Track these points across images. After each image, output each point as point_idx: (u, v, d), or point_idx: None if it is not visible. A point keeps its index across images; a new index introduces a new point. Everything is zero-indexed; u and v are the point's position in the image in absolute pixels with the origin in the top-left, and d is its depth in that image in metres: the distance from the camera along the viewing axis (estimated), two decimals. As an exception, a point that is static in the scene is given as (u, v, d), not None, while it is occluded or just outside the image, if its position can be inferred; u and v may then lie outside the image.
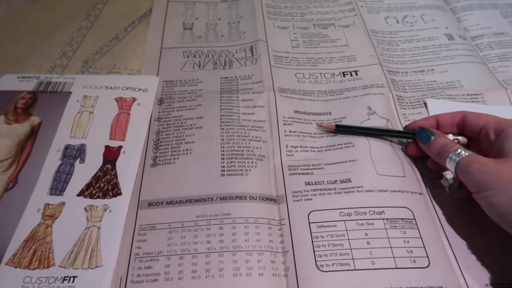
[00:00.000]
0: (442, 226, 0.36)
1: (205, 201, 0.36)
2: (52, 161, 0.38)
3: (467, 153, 0.33)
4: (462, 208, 0.37)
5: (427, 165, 0.39)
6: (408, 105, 0.46)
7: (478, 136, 0.36)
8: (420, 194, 0.38)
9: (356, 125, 0.42)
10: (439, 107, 0.45)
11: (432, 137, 0.36)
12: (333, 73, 0.50)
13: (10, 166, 0.38)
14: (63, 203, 0.36)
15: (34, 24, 0.54)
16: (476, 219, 0.35)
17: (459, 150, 0.33)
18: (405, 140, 0.41)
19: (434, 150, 0.36)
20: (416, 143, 0.39)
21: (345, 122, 0.44)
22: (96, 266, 0.32)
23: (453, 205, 0.37)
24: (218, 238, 0.34)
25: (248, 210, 0.36)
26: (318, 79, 0.49)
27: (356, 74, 0.49)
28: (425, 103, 0.46)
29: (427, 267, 0.33)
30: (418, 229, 0.35)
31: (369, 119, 0.43)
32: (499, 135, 0.33)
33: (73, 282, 0.31)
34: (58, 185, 0.37)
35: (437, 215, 0.37)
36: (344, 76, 0.49)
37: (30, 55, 0.50)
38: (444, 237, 0.35)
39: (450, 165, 0.34)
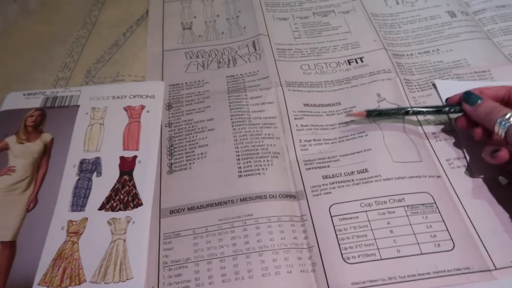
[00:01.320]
0: (464, 207, 0.36)
1: (226, 203, 0.36)
2: (69, 177, 0.38)
3: None
4: (482, 187, 0.37)
5: (473, 135, 0.38)
6: (417, 88, 0.46)
7: None
8: (438, 177, 0.38)
9: (389, 108, 0.41)
10: (448, 87, 0.45)
11: (479, 100, 0.36)
12: (338, 62, 0.49)
13: (28, 186, 0.38)
14: (86, 219, 0.36)
15: (31, 37, 0.54)
16: (498, 197, 0.36)
17: (510, 114, 0.33)
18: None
19: (482, 113, 0.35)
20: (465, 115, 0.38)
21: (355, 111, 0.43)
22: (127, 279, 0.32)
23: (473, 184, 0.37)
24: (243, 240, 0.34)
25: (270, 209, 0.36)
26: (324, 69, 0.49)
27: (362, 61, 0.49)
28: (433, 85, 0.46)
29: (452, 249, 0.33)
30: (439, 212, 0.35)
31: (379, 106, 0.43)
32: None
33: (106, 296, 0.31)
34: (79, 201, 0.37)
35: (458, 196, 0.37)
36: (349, 64, 0.49)
37: (32, 70, 0.50)
38: (467, 218, 0.35)
39: (499, 128, 0.33)
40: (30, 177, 0.38)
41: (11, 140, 0.41)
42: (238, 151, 0.40)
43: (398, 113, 0.41)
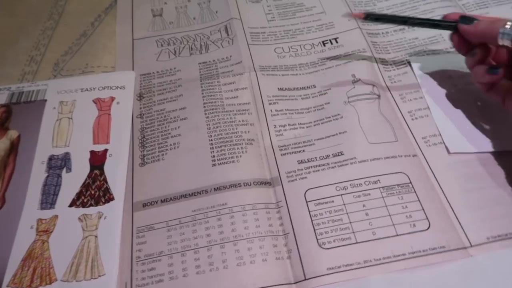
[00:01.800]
0: (440, 185, 0.36)
1: (200, 194, 0.36)
2: (37, 174, 0.37)
3: None
4: (457, 163, 0.37)
5: (456, 46, 0.38)
6: (392, 67, 0.45)
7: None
8: (415, 156, 0.37)
9: (391, 14, 0.41)
10: (423, 64, 0.44)
11: (476, 20, 0.35)
12: (313, 44, 0.48)
13: (-5, 186, 0.37)
14: (56, 216, 0.35)
15: (-5, 31, 0.52)
16: (474, 174, 0.36)
17: (510, 22, 0.32)
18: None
19: (483, 27, 0.34)
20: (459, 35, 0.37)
21: (330, 94, 0.43)
22: (99, 275, 0.32)
23: (449, 161, 0.37)
24: (218, 230, 0.34)
25: (244, 197, 0.35)
26: (298, 51, 0.48)
27: (336, 42, 0.48)
28: (408, 62, 0.45)
29: (427, 229, 0.33)
30: (415, 192, 0.35)
31: (354, 87, 0.43)
32: None
33: (78, 294, 0.31)
34: (48, 198, 0.36)
35: (434, 175, 0.36)
36: (324, 45, 0.48)
37: (-3, 66, 0.48)
38: (443, 196, 0.35)
39: (505, 39, 0.32)
40: (-4, 176, 0.37)
41: (-25, 139, 0.39)
42: (211, 140, 0.39)
43: (396, 20, 0.42)
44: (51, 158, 0.38)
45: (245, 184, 0.36)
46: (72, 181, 0.37)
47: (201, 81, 0.44)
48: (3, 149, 0.39)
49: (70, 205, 0.35)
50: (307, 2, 0.53)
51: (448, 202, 0.35)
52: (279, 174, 0.37)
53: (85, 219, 0.35)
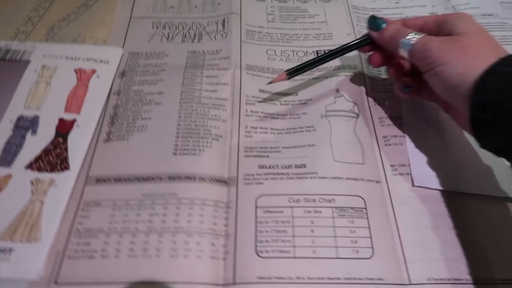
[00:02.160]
0: (395, 216, 0.35)
1: (154, 179, 0.36)
2: (3, 131, 0.38)
3: (420, 35, 0.34)
4: (420, 198, 0.36)
5: (370, 62, 0.40)
6: (381, 88, 0.44)
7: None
8: (378, 182, 0.37)
9: (307, 61, 0.40)
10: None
11: (384, 24, 0.37)
12: (306, 51, 0.48)
13: (-40, 135, 0.37)
14: (10, 175, 0.35)
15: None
16: (433, 211, 0.35)
17: (412, 34, 0.34)
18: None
19: (388, 36, 0.36)
20: (377, 52, 0.39)
21: (310, 104, 0.42)
22: (35, 240, 0.32)
23: (411, 194, 0.36)
24: (161, 218, 0.33)
25: (196, 191, 0.35)
26: (290, 57, 0.47)
27: (330, 54, 0.47)
28: (397, 87, 0.44)
29: (369, 258, 0.32)
30: (367, 218, 0.34)
31: (335, 102, 0.42)
32: (443, 22, 0.34)
33: (9, 254, 0.31)
34: (7, 157, 0.36)
35: (392, 204, 0.35)
36: (317, 55, 0.47)
37: (-5, 21, 0.49)
38: (395, 228, 0.34)
39: (403, 49, 0.34)
40: (-36, 126, 0.38)
41: (-46, 86, 0.40)
42: (179, 129, 0.39)
43: (313, 64, 0.40)
44: (19, 118, 0.39)
45: (200, 179, 0.36)
46: (34, 144, 0.37)
47: (185, 69, 0.44)
48: (-23, 101, 0.39)
49: (27, 167, 0.36)
50: (311, 9, 0.53)
51: (399, 235, 0.34)
52: (238, 175, 0.37)
53: (37, 184, 0.35)
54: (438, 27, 0.35)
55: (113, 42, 0.47)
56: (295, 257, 0.32)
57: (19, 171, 0.36)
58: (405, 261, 0.32)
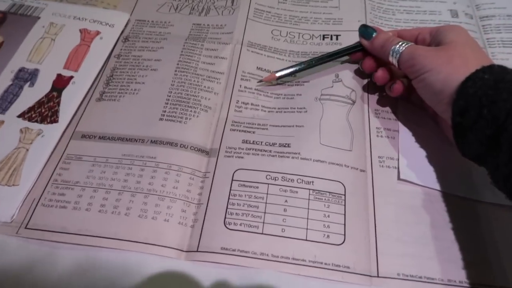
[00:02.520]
0: (375, 207, 0.34)
1: (136, 141, 0.36)
2: (3, 80, 0.39)
3: (408, 44, 0.35)
4: (402, 192, 0.34)
5: (363, 67, 0.40)
6: (383, 79, 0.42)
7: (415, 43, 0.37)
8: (362, 171, 0.35)
9: (296, 64, 0.40)
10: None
11: (375, 33, 0.38)
12: (313, 35, 0.46)
13: (-37, 80, 0.39)
14: (2, 122, 0.36)
15: None
16: (415, 207, 0.33)
17: (401, 42, 0.35)
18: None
19: (378, 45, 0.37)
20: (370, 58, 0.39)
21: (306, 87, 0.41)
22: (13, 185, 0.33)
23: (396, 187, 0.35)
24: (136, 179, 0.34)
25: (174, 157, 0.35)
26: (295, 39, 0.46)
27: (337, 39, 0.46)
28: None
29: (340, 244, 0.31)
30: (344, 205, 0.33)
31: (332, 86, 0.41)
32: (435, 33, 0.35)
33: (-12, 194, 0.32)
34: (3, 104, 0.37)
35: (373, 196, 0.34)
36: (323, 39, 0.46)
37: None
38: (372, 219, 0.33)
39: (392, 57, 0.36)
40: (-32, 72, 0.39)
41: (-35, 34, 0.42)
42: (169, 96, 0.39)
43: (304, 69, 0.41)
44: (20, 70, 0.40)
45: (182, 146, 0.36)
46: (30, 96, 0.38)
47: (186, 40, 0.44)
48: (-17, 50, 0.41)
49: (19, 116, 0.37)
50: (326, -6, 0.51)
51: (375, 226, 0.33)
52: (220, 147, 0.36)
53: (25, 132, 0.36)
54: (431, 38, 0.36)
55: (122, 8, 0.48)
56: (262, 233, 0.31)
57: (11, 118, 0.37)
58: (376, 253, 0.31)
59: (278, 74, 0.40)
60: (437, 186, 0.34)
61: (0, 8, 0.45)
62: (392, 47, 0.35)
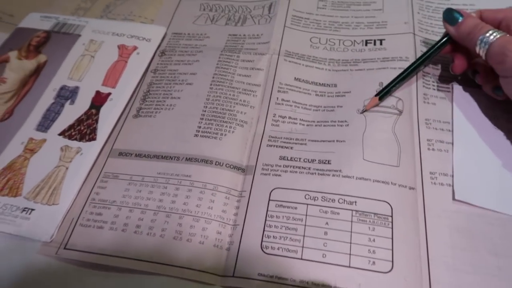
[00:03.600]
0: (426, 230, 0.30)
1: (171, 159, 0.35)
2: (46, 99, 0.40)
3: (500, 34, 0.30)
4: (459, 213, 0.31)
5: (453, 70, 0.36)
6: (433, 85, 0.39)
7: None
8: (412, 189, 0.32)
9: (394, 79, 0.37)
10: (465, 95, 0.37)
11: (461, 18, 0.34)
12: (354, 41, 0.44)
13: (10, 99, 0.40)
14: (45, 140, 0.37)
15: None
16: (473, 231, 0.30)
17: (491, 31, 0.31)
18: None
19: (464, 32, 0.33)
20: (460, 56, 0.35)
21: (347, 97, 0.38)
22: (54, 204, 0.33)
23: (451, 208, 0.31)
24: (171, 199, 0.33)
25: (210, 175, 0.34)
26: (335, 46, 0.44)
27: (381, 44, 0.43)
28: (452, 87, 0.38)
29: (387, 272, 0.28)
30: (392, 228, 0.30)
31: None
32: None
33: (30, 213, 0.33)
34: (45, 123, 0.38)
35: (425, 217, 0.31)
36: (366, 45, 0.43)
37: (61, -4, 0.52)
38: (424, 243, 0.30)
39: (480, 48, 0.31)
40: (15, 91, 0.41)
41: (13, 54, 0.44)
42: (205, 111, 0.38)
43: (401, 80, 0.37)
44: (62, 88, 0.41)
45: (217, 163, 0.35)
46: (71, 113, 0.39)
47: (221, 52, 0.43)
48: (29, 69, 0.42)
49: (60, 134, 0.38)
50: (368, -4, 0.48)
51: (428, 252, 0.29)
52: (256, 164, 0.35)
53: (66, 150, 0.36)
54: None
55: (159, 22, 0.48)
56: (301, 259, 0.29)
57: (53, 136, 0.37)
58: (429, 283, 0.28)
59: (380, 97, 0.36)
60: (499, 207, 0.30)
61: (45, 28, 0.46)
62: (480, 36, 0.31)
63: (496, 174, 0.32)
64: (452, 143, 0.35)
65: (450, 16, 0.35)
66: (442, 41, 0.36)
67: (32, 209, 0.33)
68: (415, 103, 0.37)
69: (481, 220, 0.30)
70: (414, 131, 0.36)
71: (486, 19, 0.34)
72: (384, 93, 0.36)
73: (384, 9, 0.46)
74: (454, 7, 0.45)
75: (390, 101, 0.37)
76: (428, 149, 0.35)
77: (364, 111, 0.36)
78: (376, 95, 0.36)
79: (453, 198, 0.32)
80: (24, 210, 0.33)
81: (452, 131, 0.35)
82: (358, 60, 0.41)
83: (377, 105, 0.36)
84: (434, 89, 0.39)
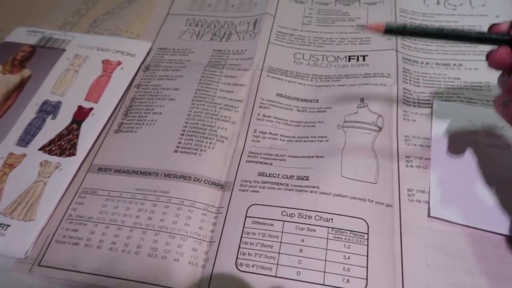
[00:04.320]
0: (402, 249, 0.30)
1: (150, 174, 0.35)
2: (28, 113, 0.40)
3: None
4: (435, 231, 0.31)
5: (490, 59, 0.28)
6: (414, 102, 0.39)
7: None
8: (389, 206, 0.32)
9: (417, 25, 0.30)
10: (449, 111, 0.37)
11: None
12: (338, 56, 0.44)
13: (-8, 114, 0.40)
14: (24, 155, 0.37)
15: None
16: (448, 249, 0.30)
17: None
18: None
19: None
20: (508, 50, 0.27)
21: (328, 113, 0.39)
22: (30, 220, 0.33)
23: (426, 225, 0.31)
24: (148, 215, 0.33)
25: (187, 192, 0.34)
26: (319, 61, 0.44)
27: (364, 60, 0.43)
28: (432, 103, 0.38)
29: (361, 291, 0.28)
30: (367, 245, 0.30)
31: (356, 112, 0.38)
32: None
33: (5, 230, 0.32)
34: (26, 137, 0.38)
35: (401, 235, 0.31)
36: (349, 61, 0.43)
37: (49, 10, 0.52)
38: (399, 262, 0.30)
39: None
40: (-3, 106, 0.41)
41: (-3, 69, 0.44)
42: (186, 126, 0.38)
43: (427, 33, 0.29)
44: (45, 103, 0.41)
45: (196, 180, 0.34)
46: (52, 128, 0.39)
47: (205, 67, 0.43)
48: (12, 84, 0.42)
49: (40, 149, 0.38)
50: (353, 12, 0.49)
51: (402, 270, 0.29)
52: (235, 180, 0.35)
53: (45, 165, 0.36)
54: None
55: (145, 37, 0.48)
56: (276, 276, 0.29)
57: (33, 152, 0.37)
58: (403, 302, 0.28)
59: (387, 27, 0.28)
60: (476, 224, 0.30)
61: (31, 42, 0.46)
62: None
63: (471, 192, 0.32)
64: (430, 159, 0.35)
65: None
66: (498, 38, 0.28)
67: (8, 225, 0.33)
68: (395, 120, 0.38)
69: (457, 238, 0.30)
70: (393, 148, 0.36)
71: None
72: (393, 29, 0.28)
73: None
74: (437, 24, 0.46)
75: (370, 117, 0.37)
76: (407, 166, 0.35)
77: (360, 26, 0.29)
78: (386, 25, 0.28)
79: (429, 215, 0.31)
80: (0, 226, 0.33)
81: (431, 147, 0.35)
82: (341, 76, 0.42)
83: (378, 32, 0.28)
84: (414, 106, 0.39)
